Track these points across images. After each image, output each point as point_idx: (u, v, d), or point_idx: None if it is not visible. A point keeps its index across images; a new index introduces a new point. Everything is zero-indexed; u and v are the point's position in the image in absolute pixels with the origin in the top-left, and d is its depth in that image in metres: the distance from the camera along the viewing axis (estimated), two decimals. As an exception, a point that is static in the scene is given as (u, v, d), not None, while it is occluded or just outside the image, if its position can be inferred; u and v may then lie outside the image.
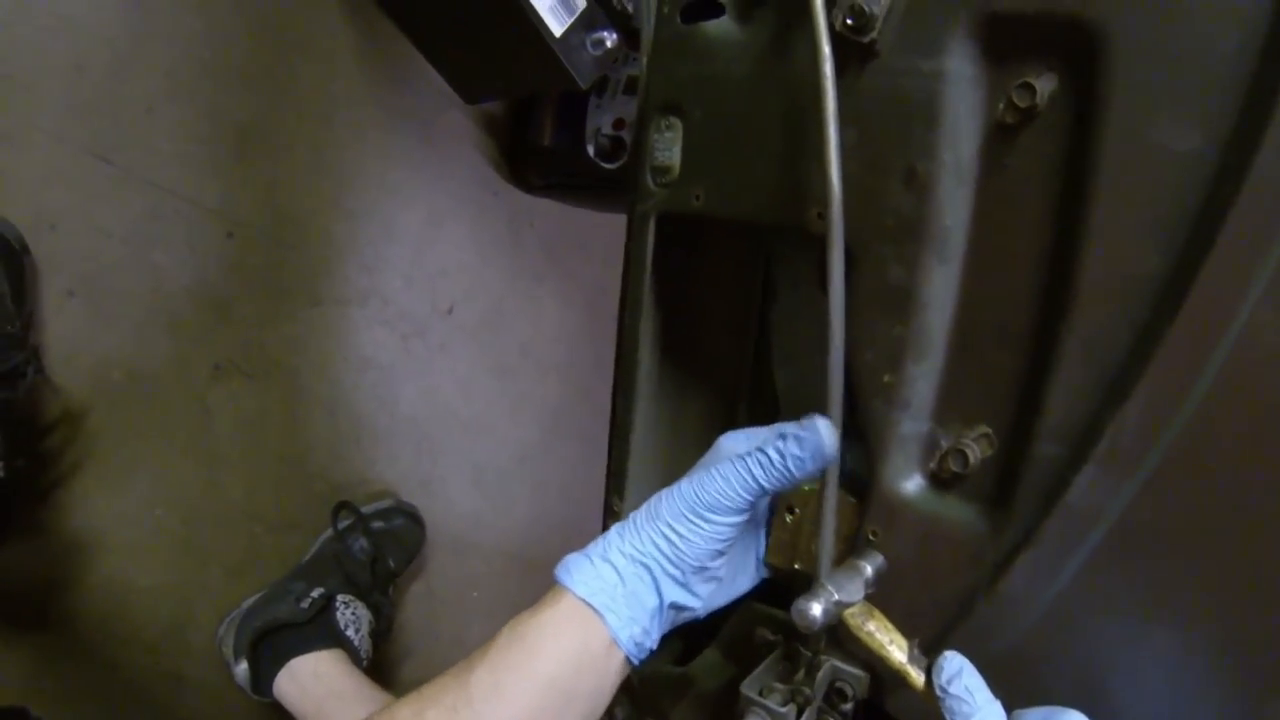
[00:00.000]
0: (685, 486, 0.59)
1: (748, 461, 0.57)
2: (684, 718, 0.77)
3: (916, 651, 0.58)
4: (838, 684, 0.63)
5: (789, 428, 0.56)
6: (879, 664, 0.59)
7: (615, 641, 0.59)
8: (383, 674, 1.28)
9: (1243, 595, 0.48)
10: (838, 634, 0.62)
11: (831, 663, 0.62)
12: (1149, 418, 0.48)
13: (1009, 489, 0.54)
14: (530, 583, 1.49)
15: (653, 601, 0.60)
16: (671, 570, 0.59)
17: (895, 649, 0.58)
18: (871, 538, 0.60)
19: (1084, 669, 0.54)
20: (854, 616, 0.59)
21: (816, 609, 0.54)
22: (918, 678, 0.57)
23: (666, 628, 0.62)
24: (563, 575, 0.60)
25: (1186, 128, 0.46)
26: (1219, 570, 0.48)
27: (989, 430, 0.56)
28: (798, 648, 0.64)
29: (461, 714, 0.55)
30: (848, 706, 0.63)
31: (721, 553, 0.60)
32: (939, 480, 0.58)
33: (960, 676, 0.52)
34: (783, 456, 0.55)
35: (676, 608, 0.61)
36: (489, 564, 1.53)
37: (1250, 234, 0.44)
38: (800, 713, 0.60)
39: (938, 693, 0.53)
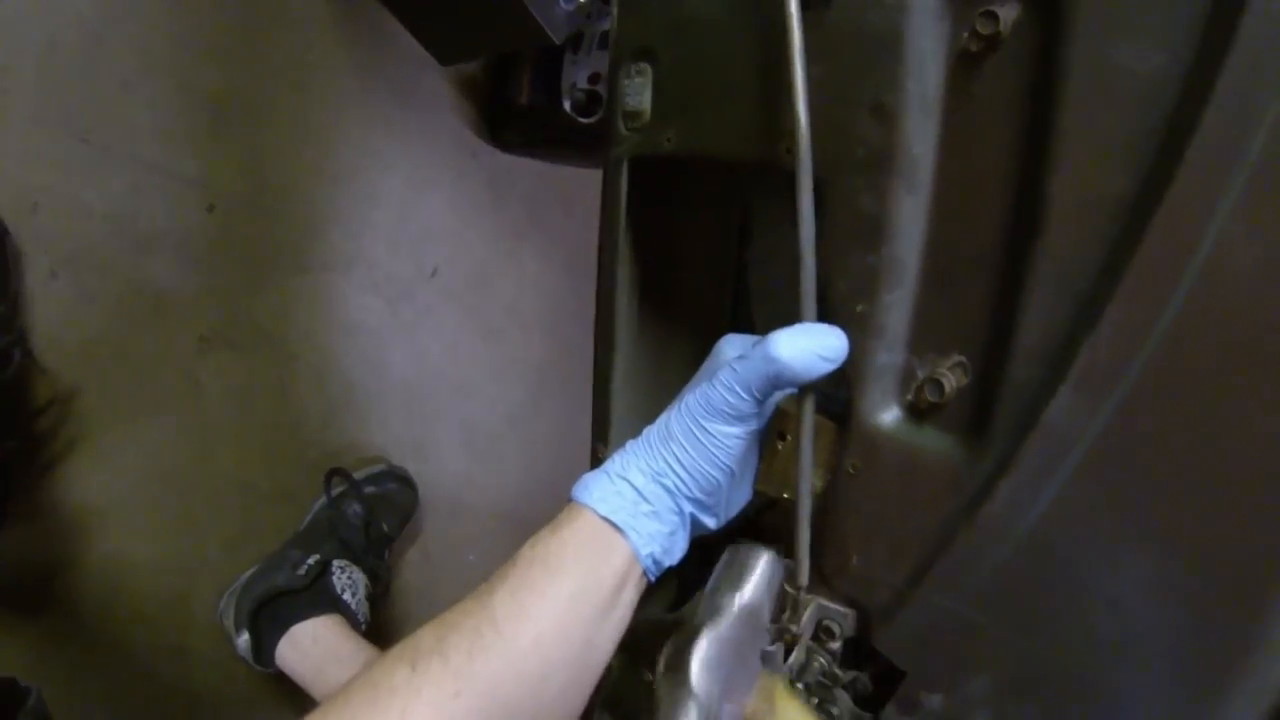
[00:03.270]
0: (691, 400, 0.60)
1: (748, 362, 0.57)
2: (676, 664, 0.78)
3: None
4: (825, 622, 0.63)
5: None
6: None
7: (636, 558, 0.59)
8: (381, 638, 1.29)
9: (1215, 513, 0.48)
10: (824, 573, 0.63)
11: (818, 601, 0.63)
12: (1122, 337, 0.48)
13: (985, 416, 0.55)
14: (523, 542, 1.47)
15: (673, 519, 0.61)
16: (689, 490, 0.60)
17: None
18: (851, 470, 0.60)
19: (1065, 595, 0.54)
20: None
21: None
22: None
23: (685, 546, 0.63)
24: (582, 494, 0.60)
25: (1149, 49, 0.46)
26: (1192, 488, 0.49)
27: (963, 359, 0.56)
28: (785, 587, 0.65)
29: (485, 636, 0.54)
30: (835, 645, 0.63)
31: (733, 469, 0.60)
32: (916, 411, 0.58)
33: None
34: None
35: (695, 524, 0.62)
36: (482, 525, 1.54)
37: (1216, 153, 0.44)
38: (789, 651, 0.61)
39: None
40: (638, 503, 0.59)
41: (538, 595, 0.56)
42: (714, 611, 0.57)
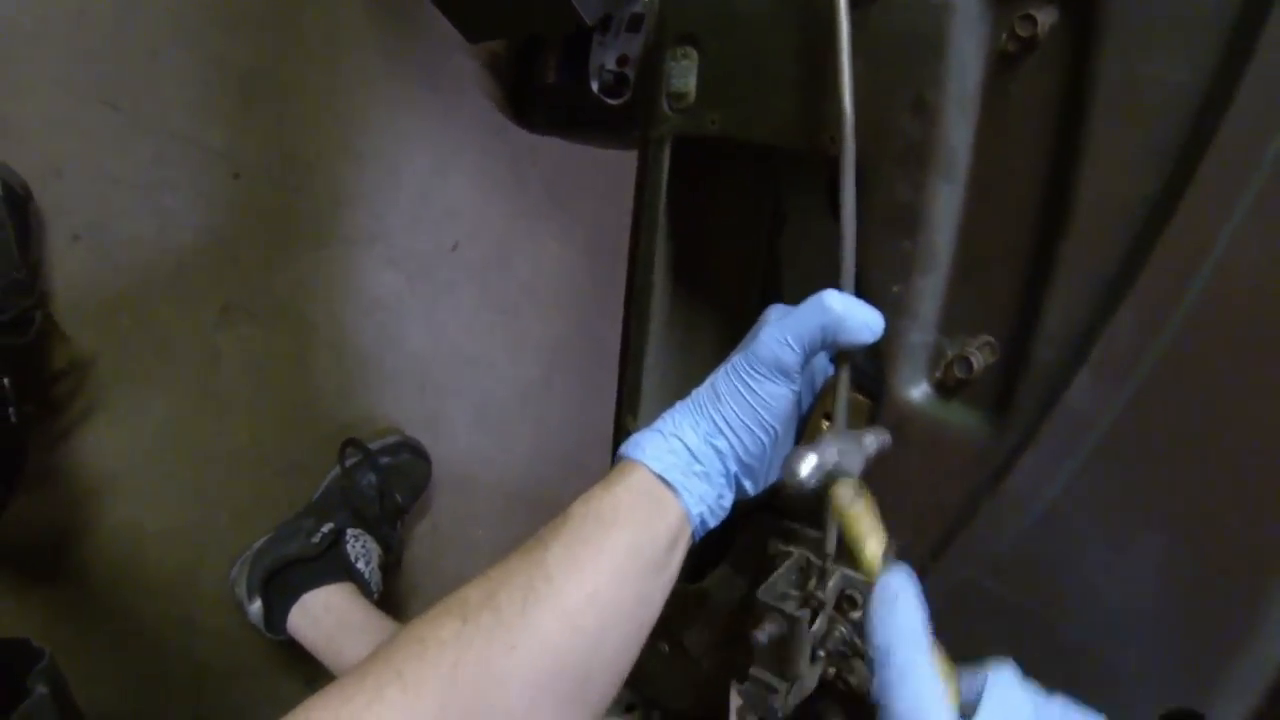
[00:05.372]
0: (738, 360, 0.61)
1: (798, 312, 0.58)
2: (697, 635, 0.80)
3: (891, 555, 0.57)
4: (848, 592, 0.65)
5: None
6: (851, 552, 0.58)
7: (687, 517, 0.60)
8: (388, 610, 1.29)
9: (1221, 496, 0.51)
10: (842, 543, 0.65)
11: (842, 571, 0.65)
12: (1140, 326, 0.51)
13: (1010, 394, 0.58)
14: (532, 520, 1.47)
15: (720, 481, 0.61)
16: (737, 451, 0.61)
17: (873, 541, 0.56)
18: (882, 442, 0.63)
19: (1078, 569, 0.57)
20: (842, 493, 0.57)
21: (807, 466, 0.54)
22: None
23: (728, 509, 0.63)
24: (635, 452, 0.60)
25: (1176, 60, 0.50)
26: (1201, 471, 0.52)
27: (991, 339, 0.59)
28: (808, 557, 0.68)
29: (539, 589, 0.53)
30: (857, 614, 0.65)
31: (777, 430, 0.61)
32: (944, 387, 0.61)
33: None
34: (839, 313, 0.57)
35: (738, 488, 0.63)
36: (491, 502, 1.55)
37: (1233, 160, 0.48)
38: (813, 618, 0.62)
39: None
40: (690, 462, 0.60)
41: (593, 549, 0.56)
42: (851, 430, 0.59)
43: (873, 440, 0.60)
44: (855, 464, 0.57)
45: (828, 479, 0.55)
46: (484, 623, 0.52)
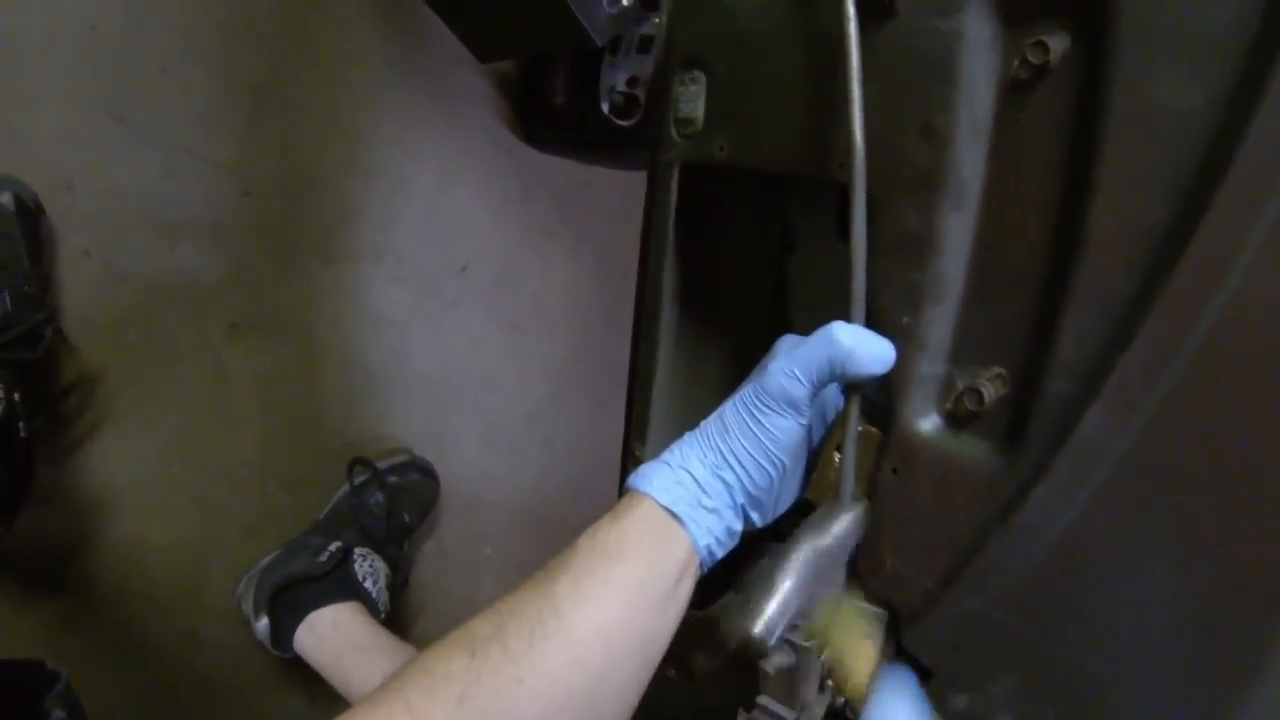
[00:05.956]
0: (747, 392, 0.60)
1: (807, 345, 0.58)
2: (704, 662, 0.79)
3: (883, 666, 0.58)
4: None
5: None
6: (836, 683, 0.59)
7: (695, 549, 0.59)
8: (395, 630, 1.30)
9: (1236, 529, 0.50)
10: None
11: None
12: (1154, 357, 0.50)
13: (1022, 426, 0.57)
14: (540, 540, 1.52)
15: (729, 514, 0.61)
16: (744, 483, 0.60)
17: (860, 665, 0.57)
18: (891, 474, 0.62)
19: (1090, 602, 0.56)
20: (808, 646, 0.58)
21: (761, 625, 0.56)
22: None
23: (736, 539, 0.63)
24: (642, 484, 0.60)
25: (1190, 87, 0.48)
26: (1215, 504, 0.51)
27: (1003, 370, 0.58)
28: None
29: (548, 623, 0.53)
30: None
31: (785, 463, 0.61)
32: (955, 419, 0.60)
33: None
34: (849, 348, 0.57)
35: (745, 519, 0.63)
36: (499, 521, 1.55)
37: (1248, 189, 0.46)
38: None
39: None
40: (698, 495, 0.59)
41: (600, 583, 0.55)
42: (817, 531, 0.59)
43: (842, 528, 0.60)
44: (834, 579, 0.59)
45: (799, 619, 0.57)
46: (492, 656, 0.52)
